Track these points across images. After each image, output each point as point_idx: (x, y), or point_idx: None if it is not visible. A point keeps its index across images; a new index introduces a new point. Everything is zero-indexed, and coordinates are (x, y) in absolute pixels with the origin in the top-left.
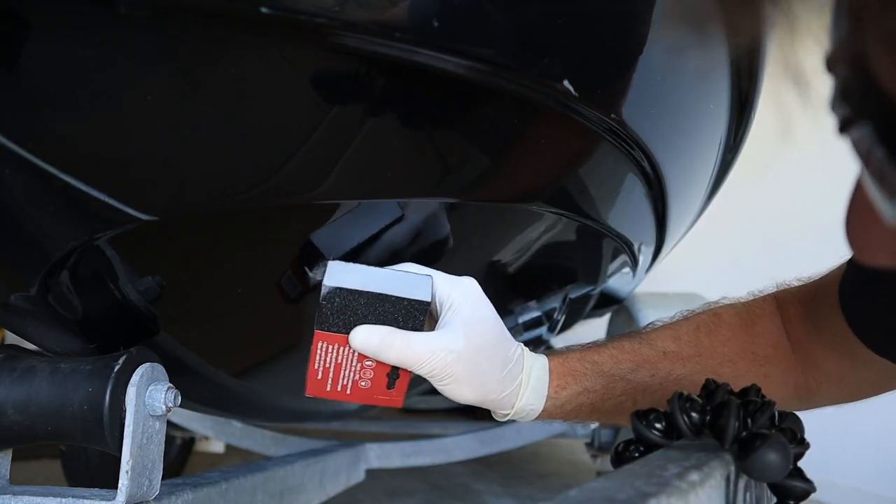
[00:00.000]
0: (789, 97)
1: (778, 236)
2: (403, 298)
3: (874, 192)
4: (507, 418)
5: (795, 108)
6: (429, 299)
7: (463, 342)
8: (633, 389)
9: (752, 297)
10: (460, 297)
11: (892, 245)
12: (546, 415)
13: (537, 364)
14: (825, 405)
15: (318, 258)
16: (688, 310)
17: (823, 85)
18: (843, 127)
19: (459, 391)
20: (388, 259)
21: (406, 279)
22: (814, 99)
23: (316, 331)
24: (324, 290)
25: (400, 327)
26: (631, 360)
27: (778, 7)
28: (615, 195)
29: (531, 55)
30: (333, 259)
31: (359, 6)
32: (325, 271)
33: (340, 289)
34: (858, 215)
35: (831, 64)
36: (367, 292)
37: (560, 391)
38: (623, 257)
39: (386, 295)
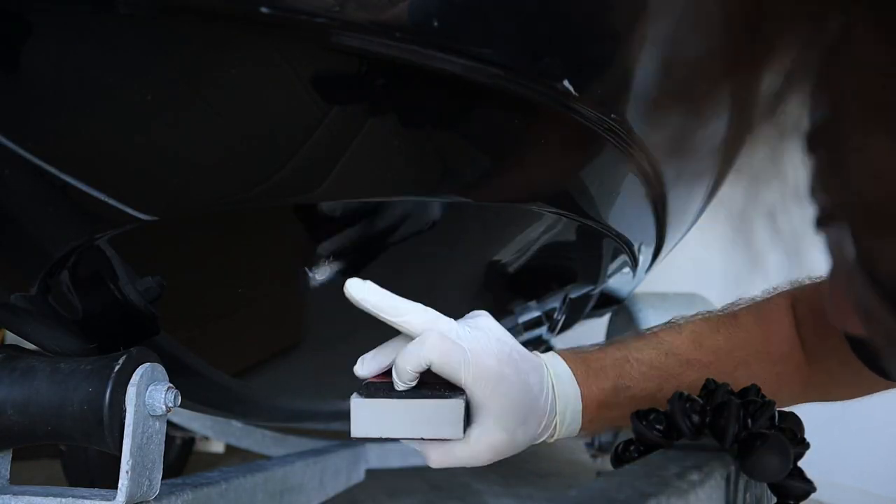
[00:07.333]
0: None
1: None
2: (432, 439)
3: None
4: None
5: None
6: (460, 434)
7: (501, 435)
8: (654, 403)
9: (767, 295)
10: (480, 389)
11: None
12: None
13: (570, 407)
14: (837, 400)
15: (318, 258)
16: (707, 311)
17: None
18: (821, 221)
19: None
20: (390, 261)
21: (434, 408)
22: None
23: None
24: (351, 434)
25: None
26: (658, 376)
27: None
28: (615, 195)
29: (531, 55)
30: (355, 396)
31: (359, 6)
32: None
33: (367, 438)
34: (836, 286)
35: (811, 145)
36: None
37: (590, 425)
38: (623, 257)
39: (412, 439)
